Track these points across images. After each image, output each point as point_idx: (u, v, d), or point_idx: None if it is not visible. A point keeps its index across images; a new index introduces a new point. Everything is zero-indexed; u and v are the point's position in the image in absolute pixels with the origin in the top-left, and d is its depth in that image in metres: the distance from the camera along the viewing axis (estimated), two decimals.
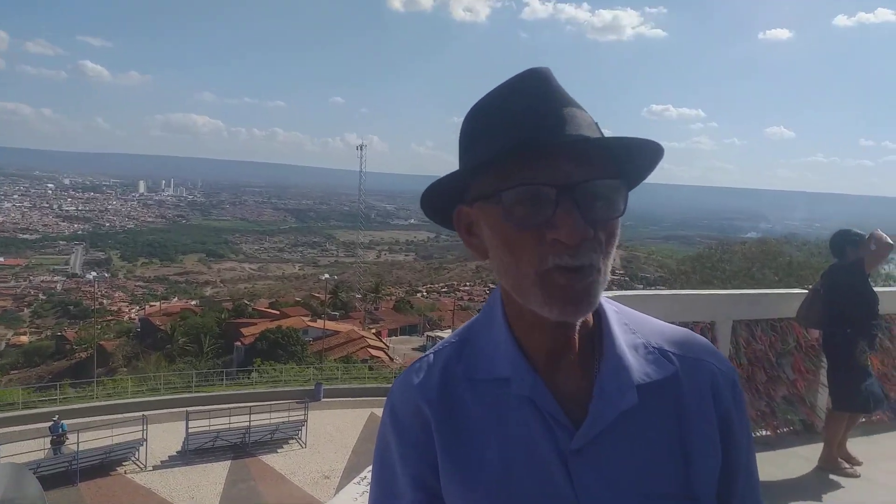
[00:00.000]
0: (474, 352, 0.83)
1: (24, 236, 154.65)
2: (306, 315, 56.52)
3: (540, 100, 0.72)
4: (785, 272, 22.49)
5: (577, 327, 0.77)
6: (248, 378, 31.71)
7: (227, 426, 20.50)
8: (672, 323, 0.86)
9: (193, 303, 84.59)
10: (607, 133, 0.75)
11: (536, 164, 0.69)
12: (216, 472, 18.24)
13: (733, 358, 4.48)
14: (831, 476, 4.01)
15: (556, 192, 0.68)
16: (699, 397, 0.77)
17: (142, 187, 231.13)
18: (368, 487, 2.18)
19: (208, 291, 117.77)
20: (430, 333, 54.24)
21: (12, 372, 49.94)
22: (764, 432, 4.56)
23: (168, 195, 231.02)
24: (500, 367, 0.79)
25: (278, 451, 20.16)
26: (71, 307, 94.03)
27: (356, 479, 2.21)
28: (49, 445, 18.46)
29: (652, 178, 0.80)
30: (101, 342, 49.93)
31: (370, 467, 2.40)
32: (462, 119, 0.80)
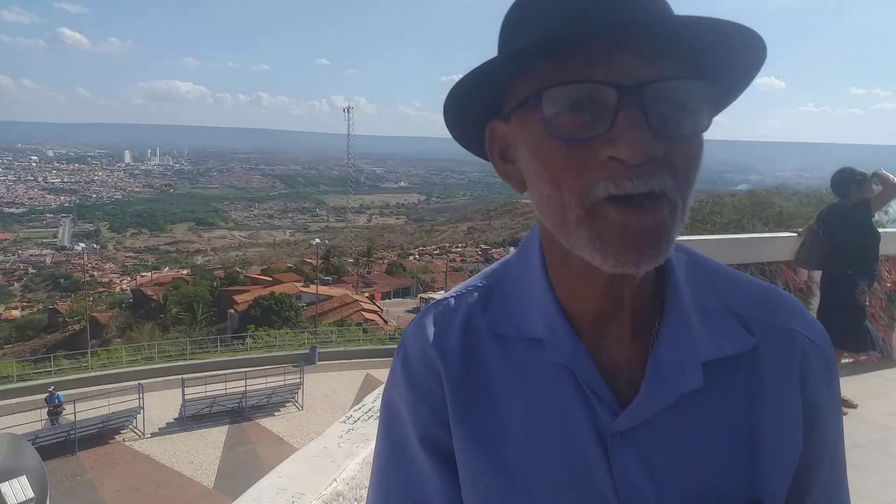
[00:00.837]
0: (504, 302, 0.67)
1: (11, 210, 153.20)
2: (299, 281, 56.62)
3: None
4: (775, 222, 22.62)
5: (637, 281, 0.59)
6: (243, 344, 31.88)
7: (223, 392, 20.68)
8: None
9: (185, 272, 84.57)
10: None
11: (592, 57, 0.52)
12: (214, 437, 18.47)
13: None
14: None
15: (618, 94, 0.51)
16: (783, 379, 0.61)
17: (127, 157, 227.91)
18: (354, 426, 2.12)
19: (199, 260, 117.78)
20: (423, 295, 54.53)
21: (6, 346, 50.04)
22: None
23: (154, 164, 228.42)
24: (533, 326, 0.64)
25: (276, 414, 20.40)
26: (62, 280, 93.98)
27: (342, 418, 2.13)
28: (46, 416, 18.58)
29: None
30: (94, 314, 49.94)
31: (360, 405, 2.33)
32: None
